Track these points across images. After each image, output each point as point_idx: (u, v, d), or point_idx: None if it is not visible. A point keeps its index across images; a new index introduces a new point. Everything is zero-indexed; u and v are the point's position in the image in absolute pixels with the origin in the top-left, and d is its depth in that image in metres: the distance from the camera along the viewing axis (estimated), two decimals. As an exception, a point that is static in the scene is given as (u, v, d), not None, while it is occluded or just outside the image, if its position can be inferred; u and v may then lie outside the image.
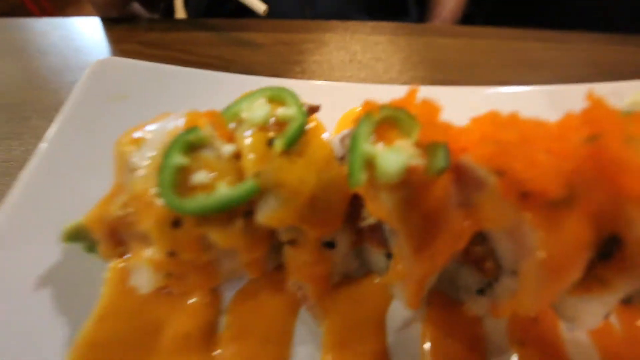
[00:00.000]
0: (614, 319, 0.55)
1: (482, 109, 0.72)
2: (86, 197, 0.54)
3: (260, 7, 1.08)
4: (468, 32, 1.40)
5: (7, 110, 0.92)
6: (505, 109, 0.69)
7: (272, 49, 1.21)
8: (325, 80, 1.10)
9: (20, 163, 0.77)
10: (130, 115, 0.66)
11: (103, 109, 0.66)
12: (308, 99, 0.76)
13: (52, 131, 0.61)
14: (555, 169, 0.34)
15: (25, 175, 0.55)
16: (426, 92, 0.82)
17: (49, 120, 0.89)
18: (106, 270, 0.51)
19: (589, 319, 0.50)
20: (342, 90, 0.78)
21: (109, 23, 1.25)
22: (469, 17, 1.84)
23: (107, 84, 0.69)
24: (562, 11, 1.86)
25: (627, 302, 0.55)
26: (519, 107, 0.82)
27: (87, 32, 1.22)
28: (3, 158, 0.79)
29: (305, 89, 0.77)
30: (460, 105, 0.77)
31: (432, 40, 1.33)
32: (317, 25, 1.33)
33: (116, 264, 0.50)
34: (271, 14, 1.48)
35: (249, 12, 1.50)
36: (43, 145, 0.58)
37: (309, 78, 1.10)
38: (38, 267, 0.50)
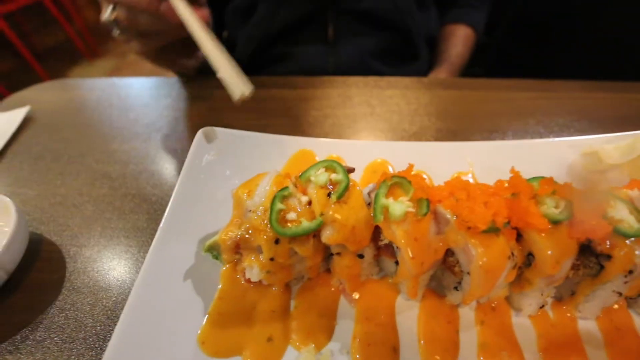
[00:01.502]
0: (550, 310, 0.81)
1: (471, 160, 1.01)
2: (207, 224, 0.88)
3: (236, 93, 0.92)
4: (466, 84, 1.70)
5: (128, 156, 1.27)
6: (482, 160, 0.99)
7: (308, 104, 1.53)
8: (351, 130, 1.41)
9: (156, 197, 1.11)
10: (227, 167, 1.01)
11: (208, 164, 1.00)
12: (343, 153, 1.08)
13: (179, 181, 0.94)
14: (483, 215, 0.64)
15: (168, 210, 0.88)
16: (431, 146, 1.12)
17: (157, 164, 1.24)
18: (223, 270, 0.83)
19: (527, 308, 0.78)
20: (366, 147, 1.11)
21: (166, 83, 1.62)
22: (483, 47, 2.06)
23: (208, 146, 1.03)
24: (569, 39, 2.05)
25: (558, 299, 0.82)
26: (496, 158, 1.11)
27: (152, 90, 1.59)
28: (150, 191, 1.14)
29: (340, 147, 1.10)
30: (455, 157, 1.07)
31: (436, 93, 1.63)
32: (343, 81, 1.66)
33: (230, 266, 0.82)
34: (298, 63, 1.79)
35: (286, 60, 1.81)
36: (176, 189, 0.92)
37: (339, 130, 1.41)
38: (182, 266, 0.83)
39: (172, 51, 1.35)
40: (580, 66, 1.98)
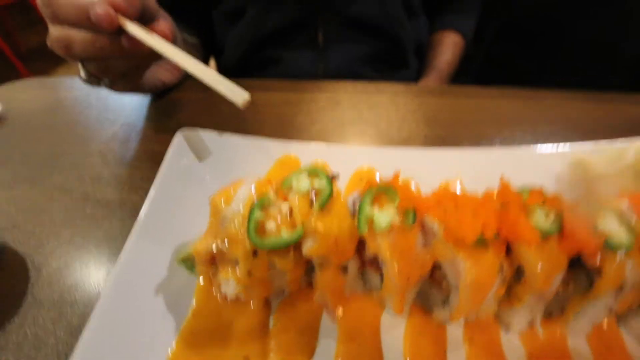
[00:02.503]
0: (539, 328, 0.78)
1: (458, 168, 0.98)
2: (182, 233, 0.83)
3: (239, 99, 0.90)
4: (455, 92, 1.69)
5: (105, 158, 1.20)
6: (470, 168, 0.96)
7: (294, 108, 1.49)
8: (338, 135, 1.38)
9: (132, 203, 1.04)
10: (206, 171, 0.96)
11: (187, 167, 0.95)
12: (329, 159, 1.04)
13: (155, 185, 0.88)
14: (472, 226, 0.61)
15: (140, 217, 0.82)
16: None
17: (135, 167, 1.17)
18: (197, 283, 0.78)
19: (517, 325, 0.75)
20: (353, 153, 1.08)
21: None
22: (469, 58, 2.07)
23: (187, 148, 0.98)
24: (556, 47, 2.08)
25: (548, 315, 0.79)
26: (484, 166, 1.08)
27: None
28: (126, 197, 1.06)
29: (326, 152, 1.06)
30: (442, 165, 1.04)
31: (425, 100, 1.62)
32: (332, 85, 1.63)
33: (206, 280, 0.77)
34: (287, 68, 1.76)
35: (274, 65, 1.78)
36: (150, 194, 0.86)
37: (326, 135, 1.37)
38: (154, 279, 0.77)
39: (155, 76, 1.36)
40: (566, 75, 1.99)
